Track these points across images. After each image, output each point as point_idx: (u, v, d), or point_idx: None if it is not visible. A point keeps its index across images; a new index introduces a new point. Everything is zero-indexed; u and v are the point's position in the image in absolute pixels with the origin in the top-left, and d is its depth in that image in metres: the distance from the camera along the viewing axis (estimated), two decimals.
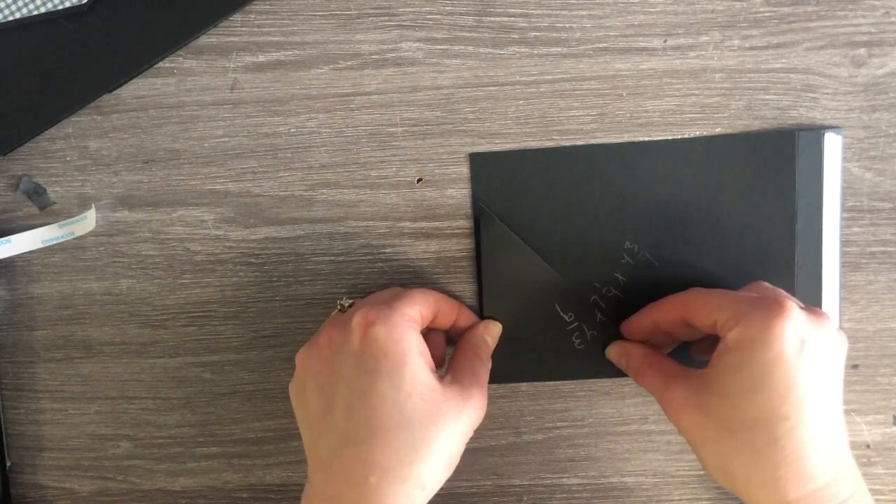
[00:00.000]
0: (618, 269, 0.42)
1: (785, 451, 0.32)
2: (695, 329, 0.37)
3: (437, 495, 0.34)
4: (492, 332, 0.41)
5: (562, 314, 0.42)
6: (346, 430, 0.33)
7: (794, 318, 0.33)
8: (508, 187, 0.41)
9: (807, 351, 0.33)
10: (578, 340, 0.42)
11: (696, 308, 0.36)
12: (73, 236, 0.43)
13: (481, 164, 0.42)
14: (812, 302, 0.41)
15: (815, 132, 0.40)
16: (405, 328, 0.35)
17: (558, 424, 0.44)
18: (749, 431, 0.33)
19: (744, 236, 0.41)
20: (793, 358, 0.32)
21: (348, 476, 0.33)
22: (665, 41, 0.41)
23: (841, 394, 0.34)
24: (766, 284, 0.38)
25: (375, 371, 0.34)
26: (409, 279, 0.43)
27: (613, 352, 0.41)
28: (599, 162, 0.41)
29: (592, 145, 0.41)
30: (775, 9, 0.40)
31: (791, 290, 0.40)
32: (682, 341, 0.41)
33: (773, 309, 0.33)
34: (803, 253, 0.41)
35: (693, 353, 0.41)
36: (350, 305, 0.38)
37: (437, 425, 0.34)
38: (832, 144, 0.40)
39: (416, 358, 0.34)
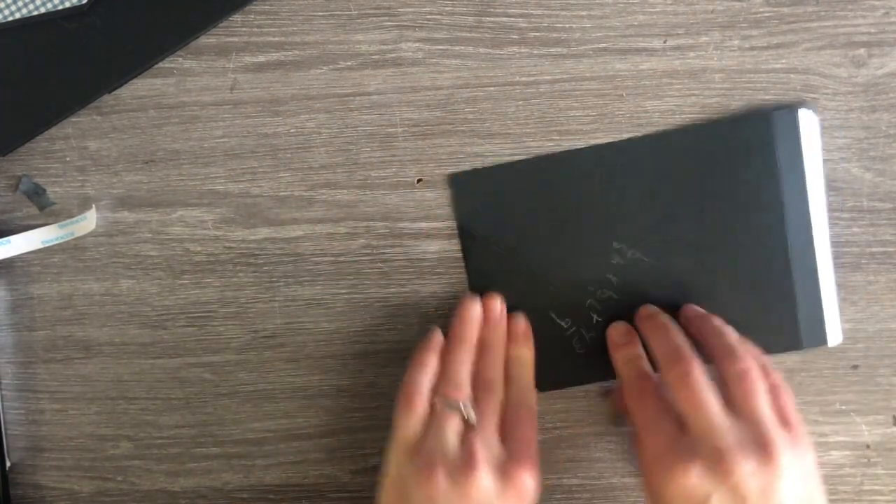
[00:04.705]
0: (609, 270, 0.42)
1: None
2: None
3: None
4: None
5: (558, 321, 0.42)
6: None
7: (688, 479, 0.33)
8: (491, 202, 0.41)
9: None
10: (579, 345, 0.42)
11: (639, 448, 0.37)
12: (72, 237, 0.43)
13: (462, 184, 0.42)
14: (809, 282, 0.41)
15: (790, 110, 0.40)
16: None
17: (558, 425, 0.44)
18: None
19: (731, 222, 0.41)
20: None
21: None
22: (665, 41, 0.41)
23: None
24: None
25: None
26: (408, 279, 0.43)
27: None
28: (578, 168, 0.41)
29: (567, 151, 0.41)
30: (775, 9, 0.40)
31: (787, 271, 0.41)
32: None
33: (671, 469, 0.34)
34: (793, 231, 0.41)
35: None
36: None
37: None
38: (807, 121, 0.40)
39: None
